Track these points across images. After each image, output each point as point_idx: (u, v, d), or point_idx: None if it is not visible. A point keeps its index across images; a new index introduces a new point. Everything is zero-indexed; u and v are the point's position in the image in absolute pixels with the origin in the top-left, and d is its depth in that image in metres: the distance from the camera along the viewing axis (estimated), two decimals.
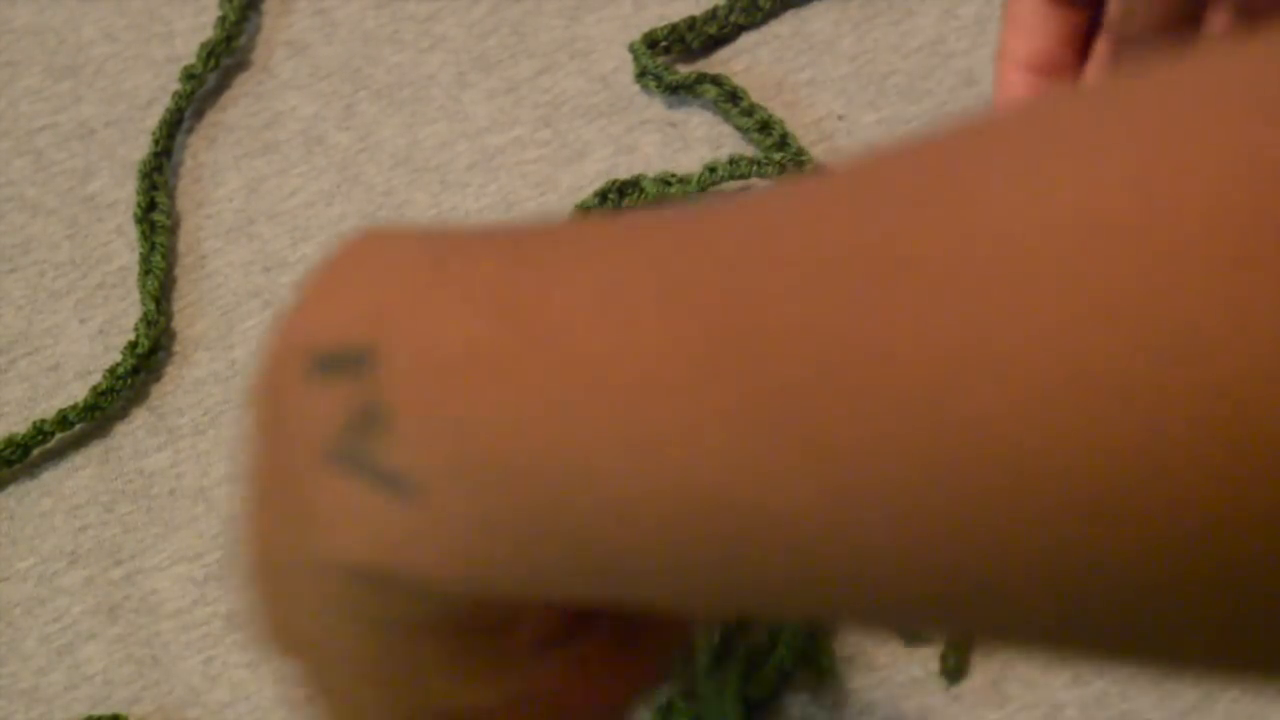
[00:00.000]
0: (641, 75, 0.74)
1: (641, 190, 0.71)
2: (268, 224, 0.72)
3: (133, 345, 0.68)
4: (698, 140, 0.73)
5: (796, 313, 0.29)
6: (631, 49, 0.74)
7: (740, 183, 0.71)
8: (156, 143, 0.74)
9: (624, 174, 0.72)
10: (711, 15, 0.75)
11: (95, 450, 0.67)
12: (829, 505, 0.29)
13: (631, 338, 0.31)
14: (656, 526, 0.30)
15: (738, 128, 0.72)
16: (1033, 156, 0.29)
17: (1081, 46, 0.60)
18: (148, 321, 0.69)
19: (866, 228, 0.30)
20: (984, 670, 0.61)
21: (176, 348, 0.69)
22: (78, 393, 0.68)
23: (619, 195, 0.71)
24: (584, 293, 0.32)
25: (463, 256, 0.34)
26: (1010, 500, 0.28)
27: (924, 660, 0.61)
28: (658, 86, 0.74)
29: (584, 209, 0.70)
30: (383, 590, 0.34)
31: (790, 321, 0.29)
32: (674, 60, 0.75)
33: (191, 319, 0.70)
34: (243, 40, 0.77)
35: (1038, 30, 0.60)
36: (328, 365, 0.35)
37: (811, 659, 0.60)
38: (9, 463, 0.66)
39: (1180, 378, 0.27)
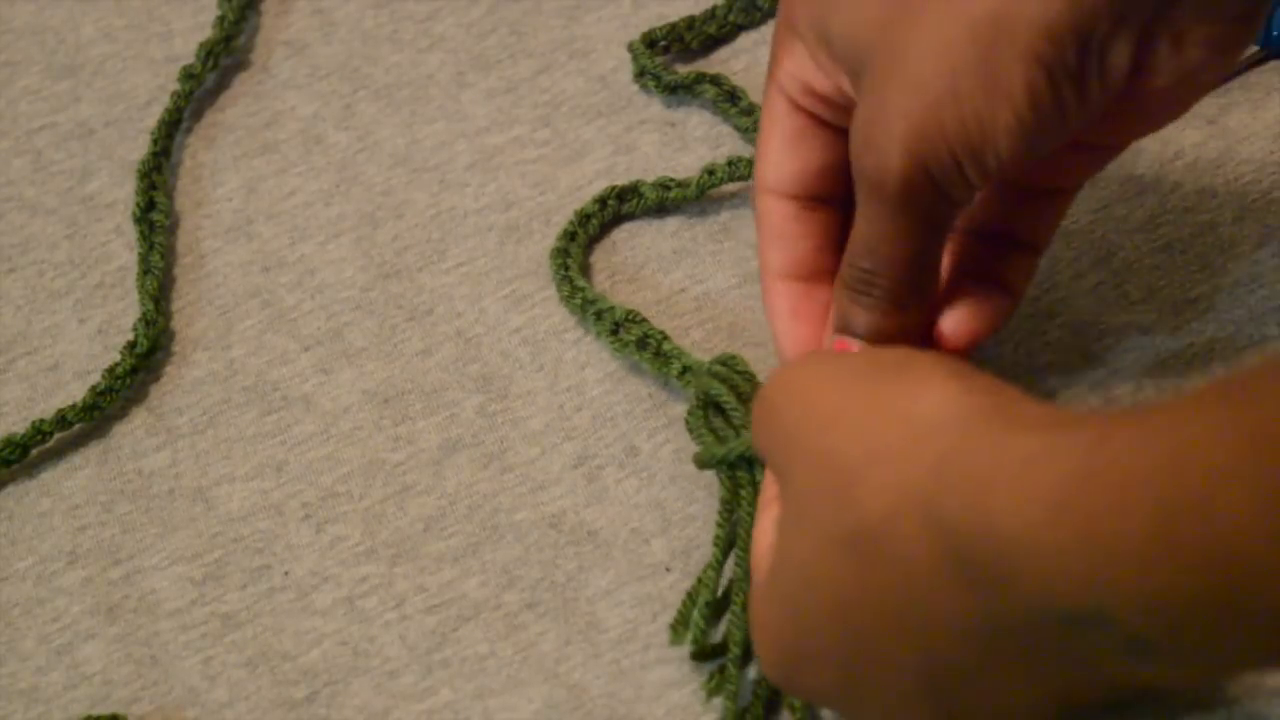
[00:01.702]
0: (640, 75, 0.74)
1: (640, 195, 0.71)
2: (266, 224, 0.72)
3: (131, 345, 0.68)
4: (696, 140, 0.73)
5: None
6: (630, 49, 0.74)
7: (739, 184, 0.71)
8: (155, 142, 0.74)
9: (623, 173, 0.72)
10: (710, 15, 0.75)
11: (94, 450, 0.67)
12: None
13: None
14: None
15: (736, 127, 0.72)
16: None
17: (838, 248, 0.61)
18: (146, 321, 0.69)
19: None
20: None
21: (175, 348, 0.69)
22: (76, 393, 0.68)
23: (618, 200, 0.71)
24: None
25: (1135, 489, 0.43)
26: None
27: None
28: (656, 86, 0.74)
29: (582, 215, 0.70)
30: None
31: None
32: (673, 60, 0.75)
33: (190, 319, 0.70)
34: (241, 40, 0.77)
35: (792, 239, 0.61)
36: (1071, 621, 0.45)
37: None
38: (8, 463, 0.66)
39: None
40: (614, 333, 0.67)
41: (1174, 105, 0.57)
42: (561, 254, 0.69)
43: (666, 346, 0.66)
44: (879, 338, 0.58)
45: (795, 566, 0.53)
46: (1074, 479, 0.44)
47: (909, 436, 0.49)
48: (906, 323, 0.58)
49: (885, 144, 0.55)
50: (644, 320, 0.67)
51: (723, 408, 0.62)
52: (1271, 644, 0.42)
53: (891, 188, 0.55)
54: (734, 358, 0.64)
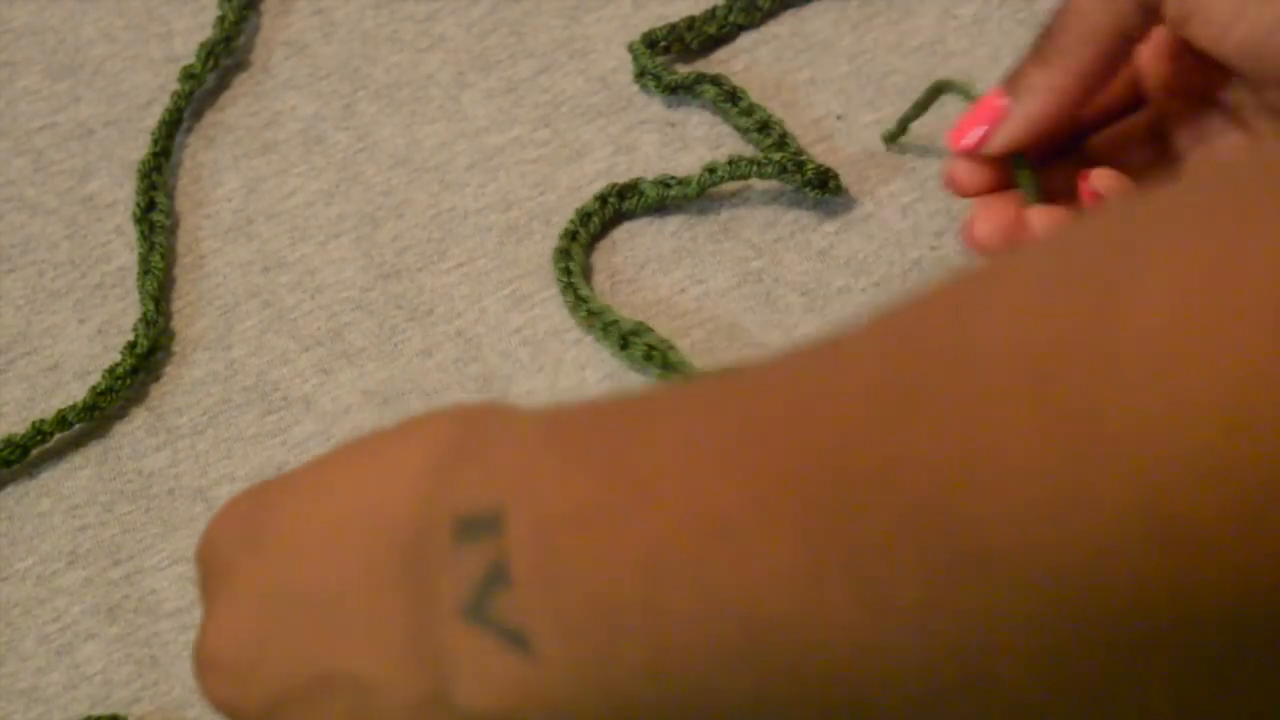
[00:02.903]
0: (640, 75, 0.74)
1: (641, 193, 0.71)
2: (267, 224, 0.72)
3: (131, 345, 0.68)
4: (697, 140, 0.73)
5: (846, 466, 0.33)
6: (630, 49, 0.74)
7: (740, 184, 0.71)
8: (155, 143, 0.74)
9: (623, 174, 0.72)
10: (710, 15, 0.75)
11: (94, 450, 0.67)
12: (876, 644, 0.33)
13: (705, 490, 0.34)
14: (733, 662, 0.34)
15: (737, 128, 0.72)
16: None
17: None
18: (146, 321, 0.69)
19: (887, 390, 0.33)
20: None
21: (175, 348, 0.69)
22: (76, 393, 0.68)
23: (618, 198, 0.71)
24: (669, 451, 0.35)
25: (574, 424, 0.38)
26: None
27: None
28: (657, 86, 0.74)
29: (583, 213, 0.70)
30: None
31: (842, 476, 0.33)
32: (673, 60, 0.75)
33: (190, 319, 0.70)
34: (242, 40, 0.77)
35: None
36: (468, 528, 0.38)
37: None
38: (8, 463, 0.66)
39: None
40: (623, 346, 0.67)
41: None
42: (564, 256, 0.69)
43: (672, 358, 0.66)
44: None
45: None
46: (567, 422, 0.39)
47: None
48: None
49: None
50: (650, 331, 0.66)
51: None
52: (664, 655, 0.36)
53: None
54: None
